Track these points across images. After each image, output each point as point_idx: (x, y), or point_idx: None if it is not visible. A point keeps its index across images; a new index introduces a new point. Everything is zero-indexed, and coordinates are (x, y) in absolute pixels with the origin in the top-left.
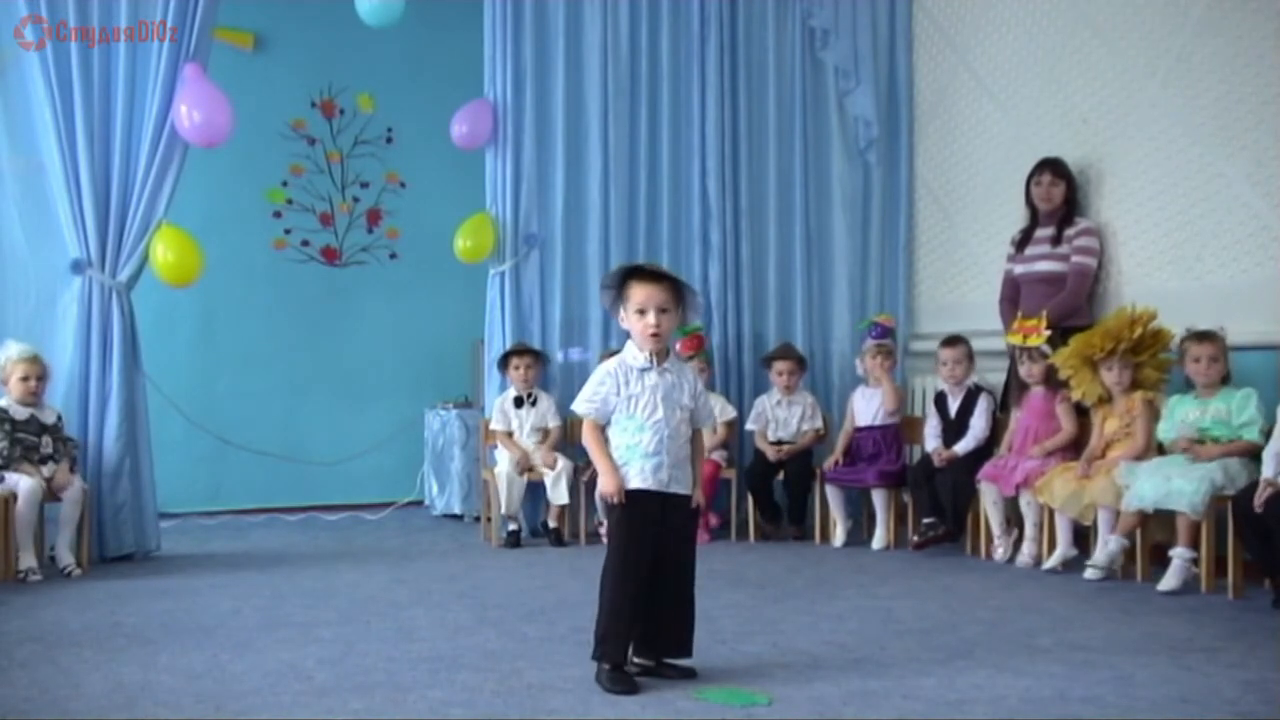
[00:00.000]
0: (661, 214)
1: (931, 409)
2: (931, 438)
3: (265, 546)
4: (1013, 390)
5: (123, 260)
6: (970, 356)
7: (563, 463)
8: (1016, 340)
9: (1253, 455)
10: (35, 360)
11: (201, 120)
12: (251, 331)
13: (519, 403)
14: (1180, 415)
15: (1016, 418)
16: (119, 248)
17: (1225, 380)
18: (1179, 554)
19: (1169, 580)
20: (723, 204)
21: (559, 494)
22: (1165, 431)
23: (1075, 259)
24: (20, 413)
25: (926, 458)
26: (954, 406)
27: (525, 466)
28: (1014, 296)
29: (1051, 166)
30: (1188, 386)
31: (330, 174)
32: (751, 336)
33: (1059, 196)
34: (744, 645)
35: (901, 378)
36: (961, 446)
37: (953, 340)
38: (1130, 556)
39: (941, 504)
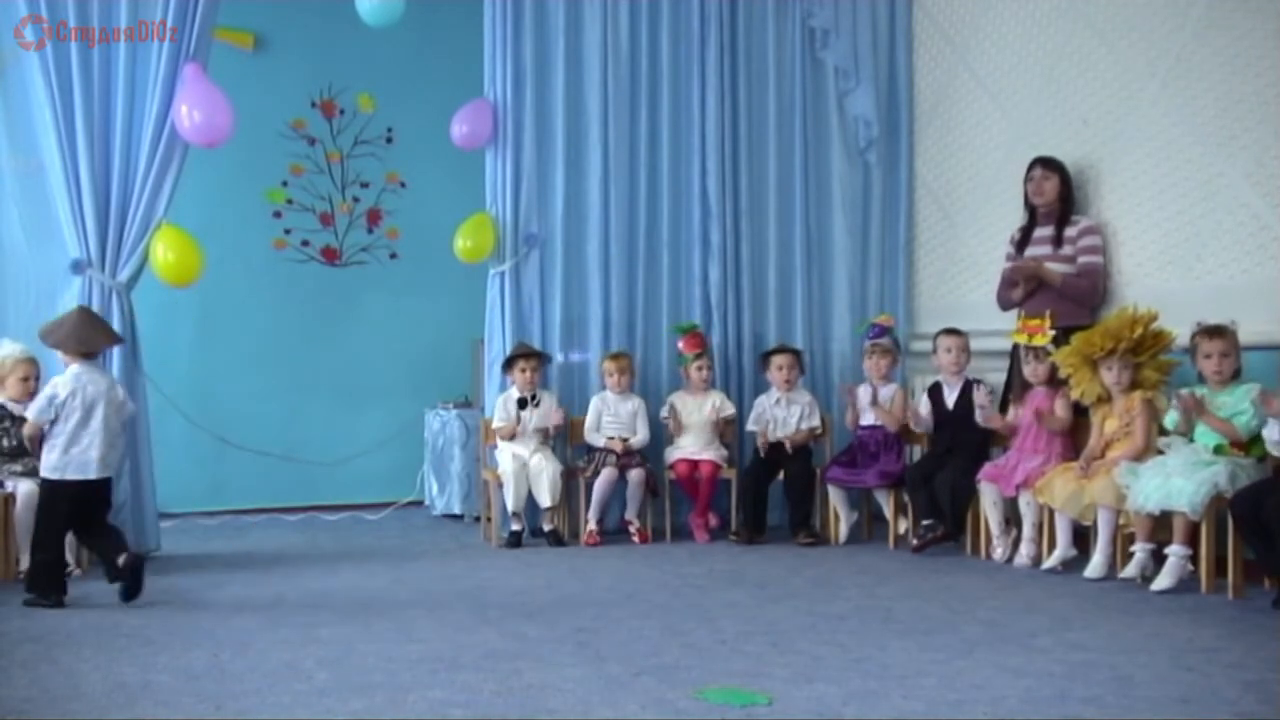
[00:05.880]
0: (661, 214)
1: (924, 398)
2: (924, 419)
3: (265, 546)
4: (1014, 390)
5: (123, 260)
6: (968, 349)
7: (548, 464)
8: (1021, 340)
9: (1246, 451)
10: (34, 360)
11: (201, 120)
12: (251, 331)
13: (522, 404)
14: None
15: (1019, 416)
16: (119, 248)
17: (1237, 374)
18: (1174, 552)
19: (1163, 579)
20: (723, 204)
21: (543, 495)
22: (1171, 415)
23: (1084, 259)
24: (17, 409)
25: (924, 460)
26: (951, 398)
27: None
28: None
29: (1043, 162)
30: (1200, 381)
31: (330, 174)
32: (751, 336)
33: (1051, 191)
34: (744, 645)
35: (902, 377)
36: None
37: (953, 330)
38: (1129, 557)
39: (940, 505)
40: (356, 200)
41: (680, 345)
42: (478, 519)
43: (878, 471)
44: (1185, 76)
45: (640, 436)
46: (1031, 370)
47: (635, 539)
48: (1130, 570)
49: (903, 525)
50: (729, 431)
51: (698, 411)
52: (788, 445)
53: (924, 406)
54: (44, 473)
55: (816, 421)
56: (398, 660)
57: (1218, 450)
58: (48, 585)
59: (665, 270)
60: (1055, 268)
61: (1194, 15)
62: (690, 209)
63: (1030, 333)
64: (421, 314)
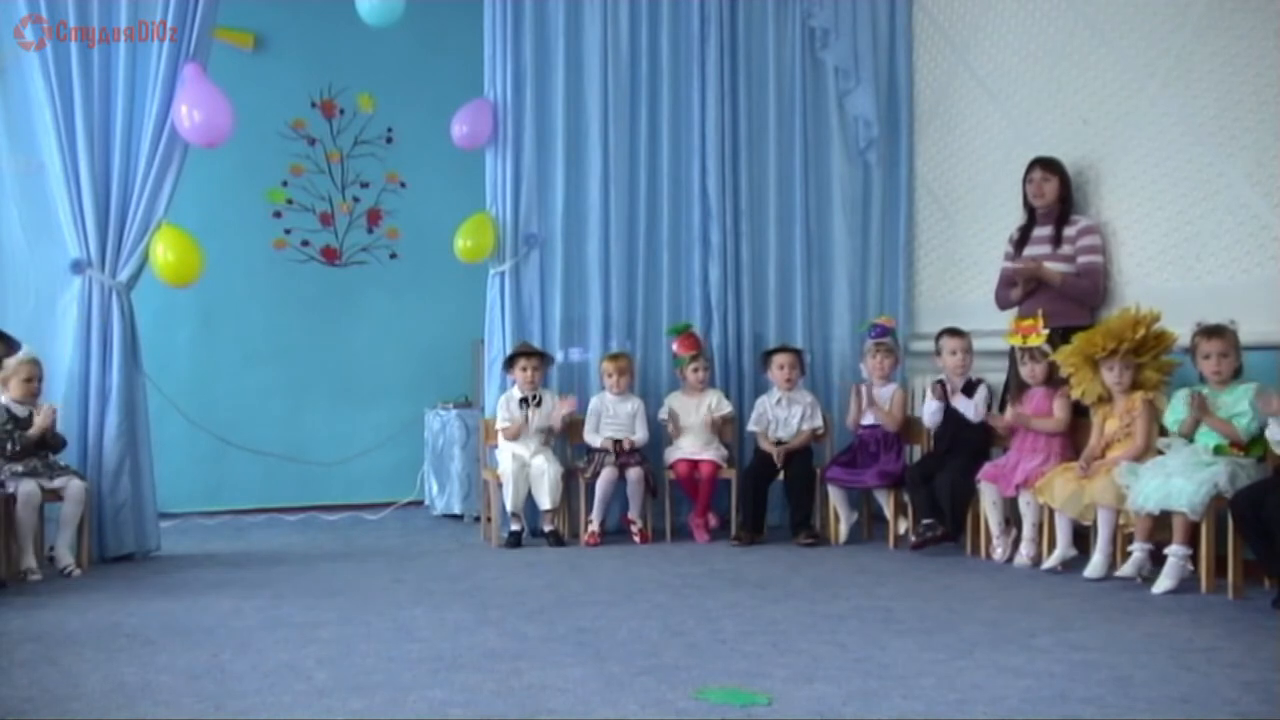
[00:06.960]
0: (661, 214)
1: (930, 392)
2: (931, 414)
3: (265, 546)
4: (1012, 390)
5: (123, 260)
6: (971, 349)
7: (549, 466)
8: (1017, 341)
9: (1246, 451)
10: (36, 361)
11: (202, 120)
12: (251, 331)
13: (524, 404)
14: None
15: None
16: (119, 248)
17: (1238, 374)
18: (1174, 552)
19: (1164, 580)
20: (723, 204)
21: (544, 498)
22: (1173, 415)
23: (1084, 259)
24: (20, 410)
25: (924, 460)
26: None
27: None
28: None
29: (1042, 163)
30: (1200, 381)
31: (330, 174)
32: (751, 337)
33: (1051, 193)
34: (744, 645)
35: (902, 377)
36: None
37: (956, 331)
38: (1129, 556)
39: (939, 505)
40: (356, 200)
41: (675, 347)
42: (478, 519)
43: (878, 471)
44: (1185, 76)
45: (639, 437)
46: (1029, 371)
47: (636, 539)
48: (1127, 569)
49: (903, 525)
50: (728, 431)
51: (695, 412)
52: (777, 456)
53: (930, 402)
54: None
55: (819, 422)
56: (398, 660)
57: (1218, 450)
58: None
59: (665, 270)
60: (1055, 267)
61: (1194, 15)
62: (690, 209)
63: (1024, 334)
64: (421, 314)
